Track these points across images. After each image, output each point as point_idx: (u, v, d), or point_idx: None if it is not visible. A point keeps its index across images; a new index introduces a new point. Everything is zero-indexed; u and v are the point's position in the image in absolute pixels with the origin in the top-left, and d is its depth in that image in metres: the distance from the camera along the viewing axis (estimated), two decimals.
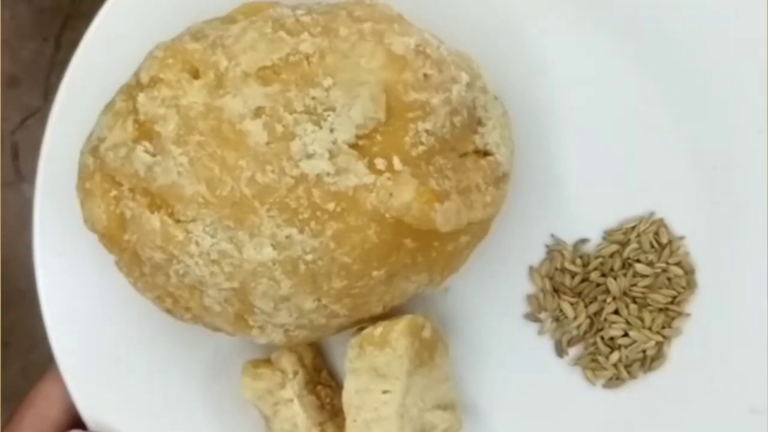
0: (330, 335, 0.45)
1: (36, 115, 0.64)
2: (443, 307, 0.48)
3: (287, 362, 0.46)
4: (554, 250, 0.47)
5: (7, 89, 0.60)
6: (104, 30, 0.47)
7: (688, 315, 0.47)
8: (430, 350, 0.44)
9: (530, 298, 0.48)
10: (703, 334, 0.47)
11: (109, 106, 0.44)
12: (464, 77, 0.43)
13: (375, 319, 0.44)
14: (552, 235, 0.48)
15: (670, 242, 0.47)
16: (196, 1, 0.45)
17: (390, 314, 0.44)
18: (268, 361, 0.46)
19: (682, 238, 0.47)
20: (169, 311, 0.44)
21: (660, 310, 0.47)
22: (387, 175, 0.40)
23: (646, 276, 0.47)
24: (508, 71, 0.47)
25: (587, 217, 0.47)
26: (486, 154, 0.44)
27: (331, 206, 0.40)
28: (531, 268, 0.48)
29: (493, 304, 0.48)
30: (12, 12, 0.49)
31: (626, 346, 0.47)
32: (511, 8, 0.47)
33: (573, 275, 0.47)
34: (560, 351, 0.48)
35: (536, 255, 0.48)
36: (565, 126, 0.47)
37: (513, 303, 0.48)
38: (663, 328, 0.47)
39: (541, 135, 0.47)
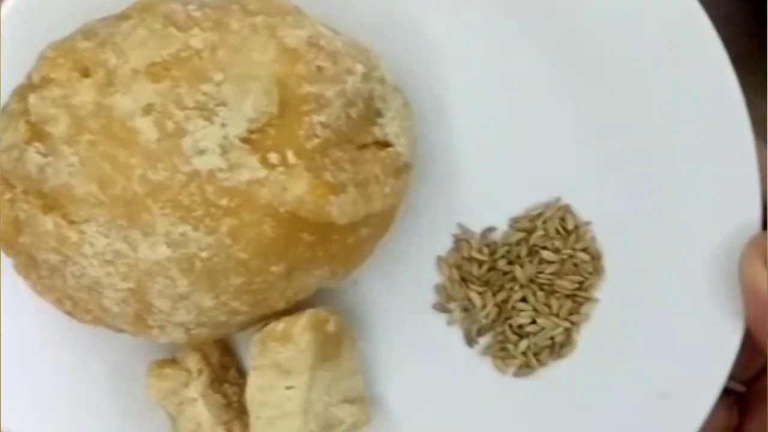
0: (234, 332, 0.44)
1: None
2: (352, 300, 0.47)
3: (191, 361, 0.45)
4: (461, 239, 0.47)
5: None
6: (5, 30, 0.46)
7: (595, 300, 0.47)
8: (335, 344, 0.44)
9: (438, 288, 0.47)
10: (610, 319, 0.46)
11: (3, 108, 0.43)
12: (359, 68, 0.42)
13: (279, 315, 0.43)
14: (458, 224, 0.47)
15: (576, 228, 0.47)
16: (95, 1, 0.45)
17: (296, 309, 0.44)
18: (173, 361, 0.46)
19: (588, 223, 0.47)
20: (69, 313, 0.43)
21: (567, 296, 0.46)
22: (280, 169, 0.40)
23: (553, 262, 0.46)
24: (409, 62, 0.46)
25: (493, 205, 0.47)
26: (386, 145, 0.43)
27: (224, 202, 0.40)
28: (438, 258, 0.47)
29: (402, 295, 0.47)
30: None
31: (535, 334, 0.47)
32: None
33: (480, 264, 0.47)
34: (470, 340, 0.47)
35: (443, 245, 0.47)
36: (468, 114, 0.47)
37: (421, 293, 0.47)
38: (571, 314, 0.46)
39: (445, 124, 0.47)
